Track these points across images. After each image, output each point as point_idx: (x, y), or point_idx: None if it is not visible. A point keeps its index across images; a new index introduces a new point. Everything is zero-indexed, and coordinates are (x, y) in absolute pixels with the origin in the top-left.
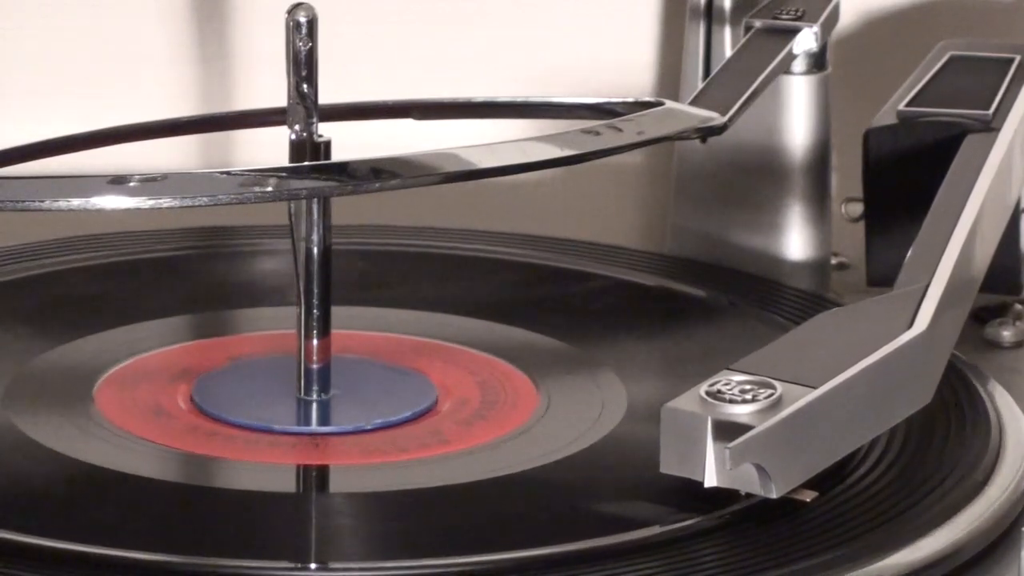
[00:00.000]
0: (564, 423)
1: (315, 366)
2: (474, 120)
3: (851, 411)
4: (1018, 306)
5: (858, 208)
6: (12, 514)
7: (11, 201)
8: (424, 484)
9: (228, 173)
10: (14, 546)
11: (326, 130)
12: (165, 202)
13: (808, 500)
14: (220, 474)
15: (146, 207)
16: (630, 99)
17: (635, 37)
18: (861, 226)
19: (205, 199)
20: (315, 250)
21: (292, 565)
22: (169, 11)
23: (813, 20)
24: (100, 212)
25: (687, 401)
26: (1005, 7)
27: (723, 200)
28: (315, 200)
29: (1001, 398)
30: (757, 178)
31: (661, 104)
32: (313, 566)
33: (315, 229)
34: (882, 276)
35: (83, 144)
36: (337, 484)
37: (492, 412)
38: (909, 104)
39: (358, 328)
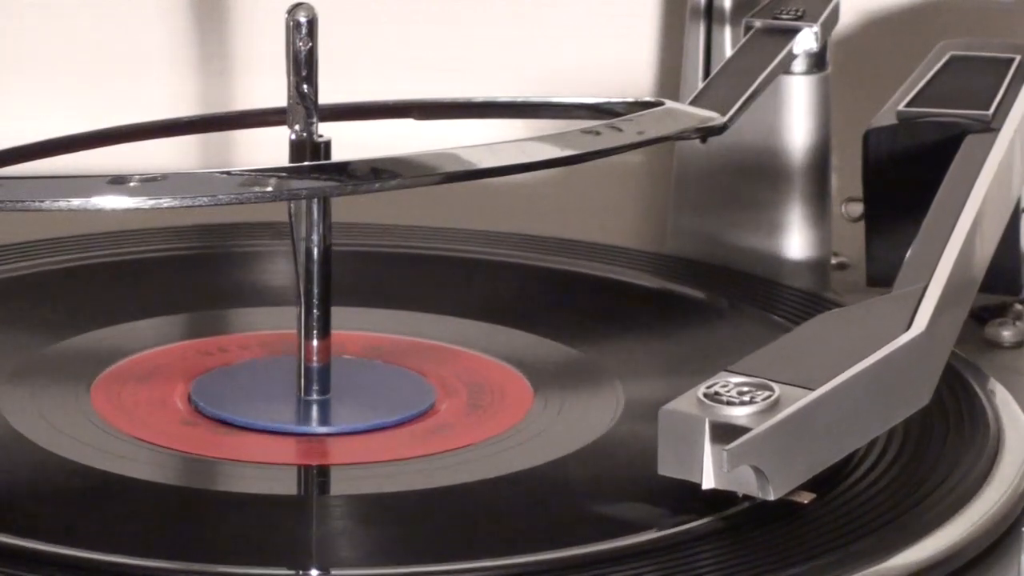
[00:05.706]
0: (562, 424)
1: (315, 366)
2: (474, 120)
3: (849, 413)
4: (1018, 306)
5: (858, 208)
6: (5, 516)
7: (11, 201)
8: (422, 485)
9: (228, 173)
10: (7, 549)
11: (326, 130)
12: (165, 202)
13: (806, 502)
14: (218, 476)
15: (146, 207)
16: (630, 99)
17: (635, 37)
18: (861, 226)
19: (205, 199)
20: (315, 250)
21: (291, 572)
22: (169, 11)
23: (813, 20)
24: (100, 212)
25: (685, 403)
26: (1005, 7)
27: (723, 200)
28: (315, 200)
29: (1000, 398)
30: (757, 178)
31: (661, 104)
32: (314, 572)
33: (315, 229)
34: (882, 276)
35: (83, 144)
36: (337, 485)
37: (490, 413)
38: (909, 104)
39: (357, 329)
